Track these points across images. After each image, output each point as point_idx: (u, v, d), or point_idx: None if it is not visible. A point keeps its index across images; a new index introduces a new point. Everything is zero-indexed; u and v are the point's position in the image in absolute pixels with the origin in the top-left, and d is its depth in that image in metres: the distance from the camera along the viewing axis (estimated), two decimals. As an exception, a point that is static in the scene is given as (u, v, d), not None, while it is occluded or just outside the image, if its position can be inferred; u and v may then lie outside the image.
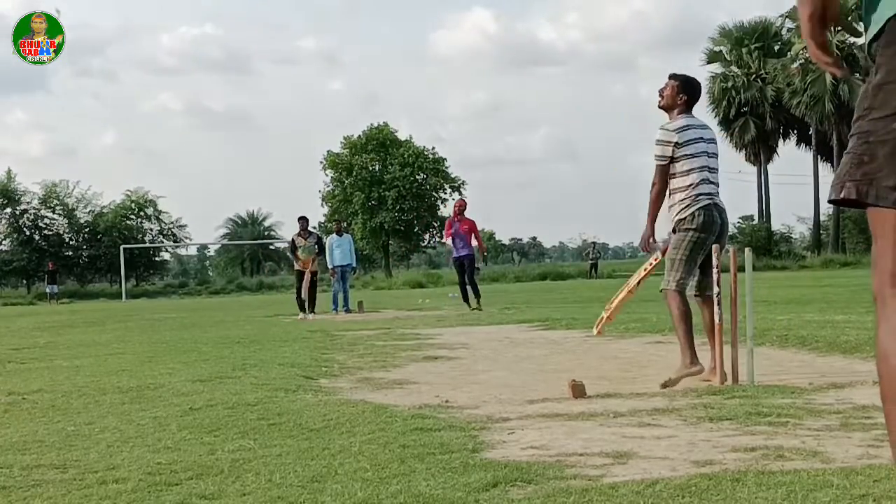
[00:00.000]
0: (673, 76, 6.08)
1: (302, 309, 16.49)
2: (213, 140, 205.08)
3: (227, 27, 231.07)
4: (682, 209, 5.82)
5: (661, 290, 6.00)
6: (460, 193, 55.69)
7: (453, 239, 16.56)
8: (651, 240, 6.10)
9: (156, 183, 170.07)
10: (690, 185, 5.81)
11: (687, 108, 5.99)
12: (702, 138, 5.91)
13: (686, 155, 5.82)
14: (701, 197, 5.82)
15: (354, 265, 18.60)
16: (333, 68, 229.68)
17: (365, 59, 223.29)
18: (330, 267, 18.07)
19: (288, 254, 18.53)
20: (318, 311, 16.80)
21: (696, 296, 6.00)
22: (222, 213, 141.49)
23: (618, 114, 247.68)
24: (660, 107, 6.04)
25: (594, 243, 54.30)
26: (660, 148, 5.84)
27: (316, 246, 16.92)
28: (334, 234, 18.70)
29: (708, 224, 5.82)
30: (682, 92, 5.98)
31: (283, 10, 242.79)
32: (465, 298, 16.41)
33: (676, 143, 5.82)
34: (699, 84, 6.27)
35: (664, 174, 5.83)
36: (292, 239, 17.25)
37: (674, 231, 5.90)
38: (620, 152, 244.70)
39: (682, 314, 5.86)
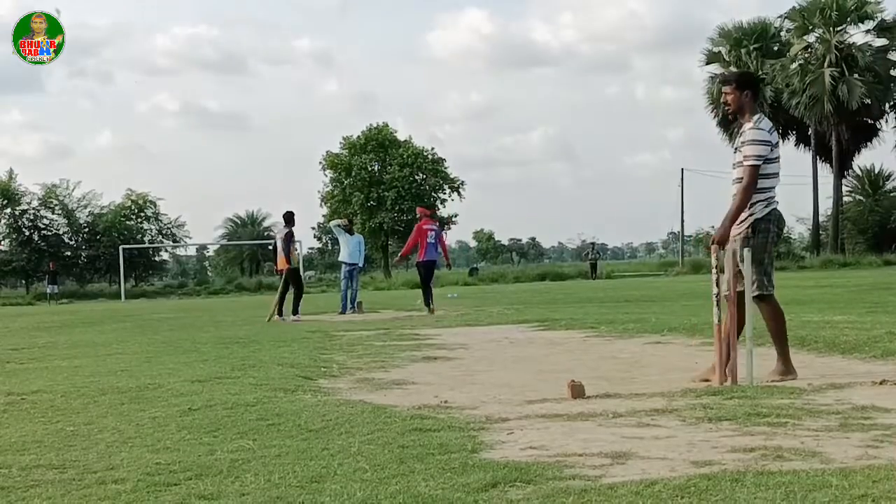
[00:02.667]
0: (725, 81, 6.10)
1: (290, 311, 15.76)
2: (210, 140, 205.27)
3: (222, 27, 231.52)
4: (761, 210, 5.79)
5: (757, 296, 5.83)
6: (459, 194, 55.78)
7: None
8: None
9: (153, 183, 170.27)
10: (771, 188, 5.83)
11: (755, 102, 5.95)
12: (779, 142, 5.92)
13: (774, 158, 5.83)
14: (775, 199, 5.87)
15: (361, 265, 18.51)
16: (328, 69, 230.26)
17: (359, 60, 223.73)
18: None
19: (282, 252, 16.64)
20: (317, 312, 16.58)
21: (726, 295, 5.92)
22: (221, 214, 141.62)
23: (614, 114, 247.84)
24: (730, 114, 6.03)
25: (593, 244, 54.30)
26: (758, 148, 5.74)
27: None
28: (345, 232, 18.58)
29: (782, 224, 5.94)
30: (744, 89, 5.92)
31: (276, 10, 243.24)
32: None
33: (771, 144, 5.80)
34: (753, 74, 6.28)
35: (756, 175, 5.73)
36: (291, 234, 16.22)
37: (753, 232, 5.80)
38: (618, 152, 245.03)
39: (783, 319, 5.91)
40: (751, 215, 5.81)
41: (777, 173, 5.90)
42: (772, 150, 5.81)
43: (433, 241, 16.40)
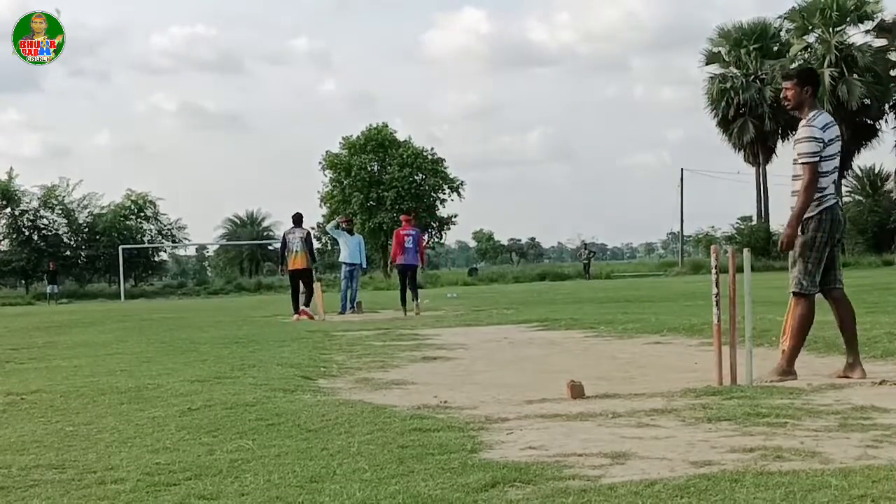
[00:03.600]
0: (786, 76, 6.11)
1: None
2: (209, 140, 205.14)
3: (220, 27, 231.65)
4: (812, 209, 5.74)
5: (792, 293, 5.90)
6: (459, 194, 55.77)
7: None
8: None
9: (152, 183, 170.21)
10: (824, 187, 5.77)
11: (814, 98, 5.94)
12: (839, 137, 5.87)
13: (828, 156, 5.77)
14: (828, 197, 5.80)
15: (364, 265, 18.72)
16: (326, 69, 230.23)
17: (357, 60, 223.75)
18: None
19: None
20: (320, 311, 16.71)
21: (819, 291, 5.92)
22: (220, 214, 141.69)
23: (613, 114, 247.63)
24: (790, 109, 6.02)
25: (585, 242, 54.14)
26: (810, 145, 5.71)
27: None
28: (345, 232, 18.61)
29: (836, 224, 5.83)
30: (805, 84, 5.91)
31: (273, 9, 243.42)
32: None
33: (824, 141, 5.75)
34: (814, 70, 6.24)
35: (816, 171, 5.69)
36: (311, 234, 17.12)
37: (801, 231, 5.79)
38: (617, 153, 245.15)
39: (808, 323, 5.89)
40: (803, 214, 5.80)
41: (831, 171, 5.80)
42: (825, 147, 5.74)
43: (411, 245, 16.84)
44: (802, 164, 5.72)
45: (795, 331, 5.87)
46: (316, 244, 21.16)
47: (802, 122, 5.84)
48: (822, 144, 5.73)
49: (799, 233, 5.79)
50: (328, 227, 19.66)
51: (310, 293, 16.37)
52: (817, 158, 5.71)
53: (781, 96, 6.02)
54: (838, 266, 5.96)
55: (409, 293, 16.56)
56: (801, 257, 5.81)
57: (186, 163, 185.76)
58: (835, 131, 5.85)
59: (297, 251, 16.39)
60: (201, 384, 6.32)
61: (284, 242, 16.80)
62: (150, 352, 9.51)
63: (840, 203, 5.92)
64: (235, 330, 13.02)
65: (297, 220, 16.91)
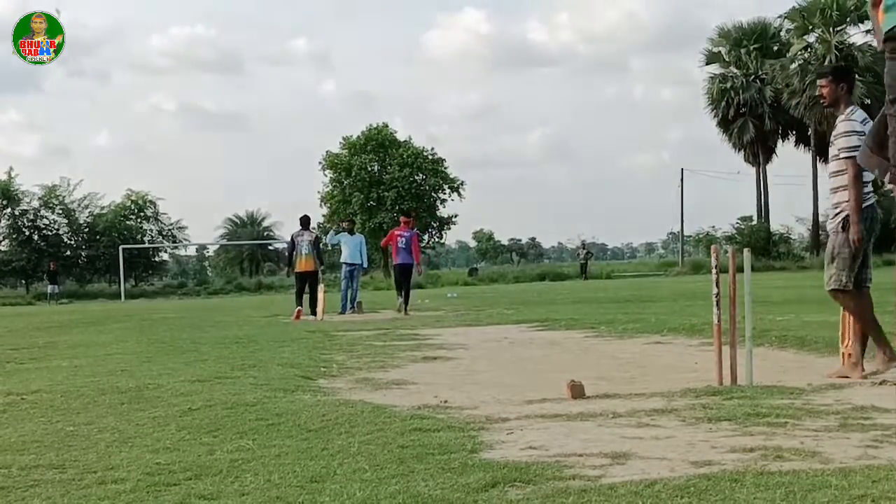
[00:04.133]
0: (821, 74, 6.13)
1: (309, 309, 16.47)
2: (209, 140, 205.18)
3: (220, 27, 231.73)
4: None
5: (831, 290, 5.98)
6: (459, 194, 55.78)
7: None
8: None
9: (152, 183, 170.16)
10: (866, 182, 5.80)
11: (850, 95, 5.95)
12: None
13: None
14: (869, 196, 5.84)
15: (366, 265, 18.79)
16: (326, 69, 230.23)
17: (357, 60, 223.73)
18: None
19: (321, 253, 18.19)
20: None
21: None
22: (220, 214, 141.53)
23: (613, 114, 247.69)
24: (826, 107, 6.06)
25: (584, 242, 54.09)
26: (850, 139, 5.73)
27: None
28: (345, 233, 18.65)
29: (874, 222, 5.89)
30: (840, 82, 5.93)
31: (273, 10, 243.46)
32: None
33: (864, 134, 5.77)
34: (848, 67, 6.29)
35: (858, 165, 5.67)
36: (319, 237, 17.45)
37: (842, 228, 5.83)
38: (617, 153, 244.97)
39: (867, 309, 5.92)
40: (842, 211, 5.83)
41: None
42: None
43: (404, 245, 16.92)
44: (845, 158, 5.75)
45: (865, 321, 5.90)
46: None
47: (840, 118, 5.88)
48: (862, 138, 5.75)
49: (839, 230, 5.83)
50: (327, 238, 19.64)
51: (314, 296, 16.38)
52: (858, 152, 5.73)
53: (817, 94, 6.07)
54: (870, 264, 6.03)
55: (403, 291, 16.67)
56: (839, 254, 5.83)
57: (186, 163, 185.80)
58: (870, 125, 5.87)
59: (305, 254, 16.55)
60: (201, 384, 6.32)
61: (293, 244, 16.89)
62: (150, 352, 9.51)
63: (877, 201, 5.94)
64: (236, 330, 13.03)
65: (305, 222, 17.05)
